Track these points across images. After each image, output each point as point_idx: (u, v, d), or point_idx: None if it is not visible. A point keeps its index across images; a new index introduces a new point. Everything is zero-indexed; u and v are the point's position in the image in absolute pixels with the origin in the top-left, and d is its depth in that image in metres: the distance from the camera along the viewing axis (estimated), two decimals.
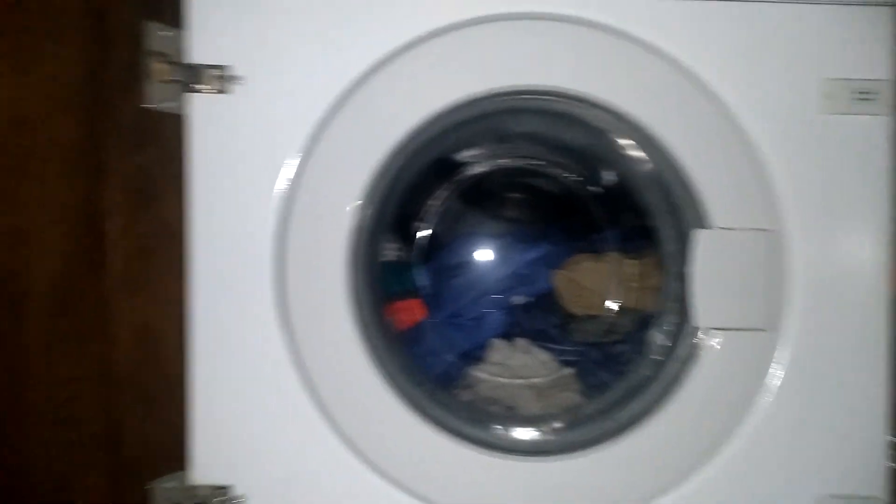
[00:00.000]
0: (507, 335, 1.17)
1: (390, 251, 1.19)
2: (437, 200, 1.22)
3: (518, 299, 1.20)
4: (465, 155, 1.19)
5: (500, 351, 1.15)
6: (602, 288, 1.18)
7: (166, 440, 0.80)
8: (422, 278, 1.21)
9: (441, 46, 0.82)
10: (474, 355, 1.15)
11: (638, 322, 1.10)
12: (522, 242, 1.20)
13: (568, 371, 1.13)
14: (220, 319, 0.82)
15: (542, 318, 1.20)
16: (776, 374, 0.83)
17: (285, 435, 0.83)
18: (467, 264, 1.21)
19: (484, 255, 1.22)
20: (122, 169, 0.77)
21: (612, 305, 1.18)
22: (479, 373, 1.14)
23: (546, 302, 1.19)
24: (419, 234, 1.22)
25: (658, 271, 1.00)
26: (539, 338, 1.17)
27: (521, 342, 1.16)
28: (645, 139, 0.86)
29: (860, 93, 0.82)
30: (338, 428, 0.83)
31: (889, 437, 0.83)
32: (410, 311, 1.17)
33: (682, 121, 0.84)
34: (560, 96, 0.86)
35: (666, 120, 0.84)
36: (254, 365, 0.82)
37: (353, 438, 0.83)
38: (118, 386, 0.75)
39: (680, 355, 0.88)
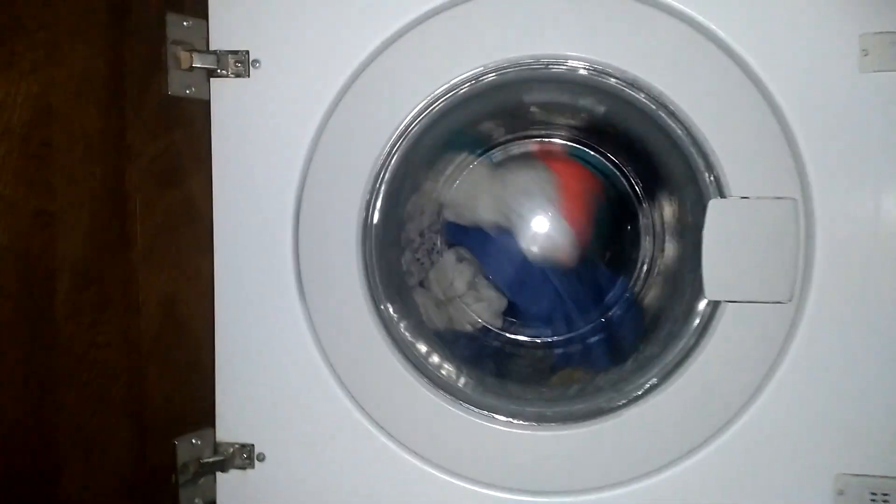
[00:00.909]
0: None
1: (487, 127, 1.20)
2: None
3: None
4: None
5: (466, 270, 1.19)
6: None
7: (190, 401, 0.87)
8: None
9: (443, 23, 0.83)
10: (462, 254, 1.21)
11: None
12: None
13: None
14: (242, 290, 0.87)
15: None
16: (795, 349, 0.80)
17: (302, 399, 0.88)
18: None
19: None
20: (147, 152, 0.81)
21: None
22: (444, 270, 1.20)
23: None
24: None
25: None
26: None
27: (494, 295, 1.20)
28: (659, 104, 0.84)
29: None
30: (349, 392, 0.88)
31: None
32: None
33: (697, 83, 0.80)
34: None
35: (680, 82, 0.81)
36: (273, 333, 0.87)
37: (363, 402, 0.88)
38: (142, 352, 0.82)
39: (692, 329, 0.87)
